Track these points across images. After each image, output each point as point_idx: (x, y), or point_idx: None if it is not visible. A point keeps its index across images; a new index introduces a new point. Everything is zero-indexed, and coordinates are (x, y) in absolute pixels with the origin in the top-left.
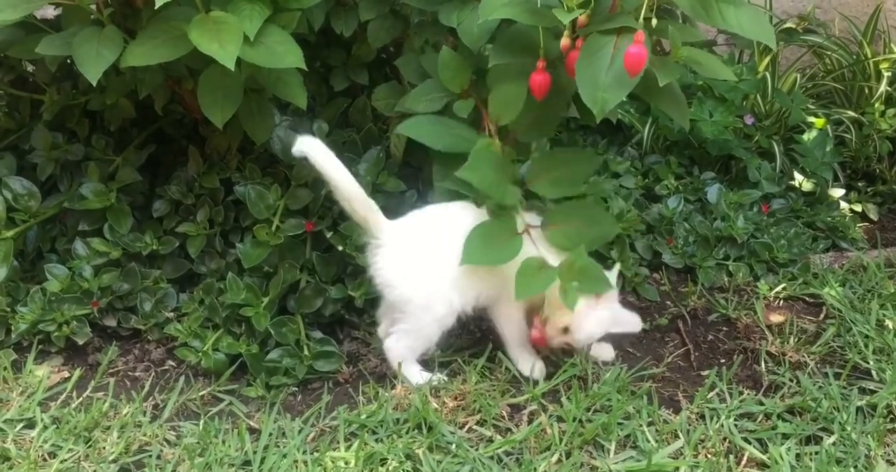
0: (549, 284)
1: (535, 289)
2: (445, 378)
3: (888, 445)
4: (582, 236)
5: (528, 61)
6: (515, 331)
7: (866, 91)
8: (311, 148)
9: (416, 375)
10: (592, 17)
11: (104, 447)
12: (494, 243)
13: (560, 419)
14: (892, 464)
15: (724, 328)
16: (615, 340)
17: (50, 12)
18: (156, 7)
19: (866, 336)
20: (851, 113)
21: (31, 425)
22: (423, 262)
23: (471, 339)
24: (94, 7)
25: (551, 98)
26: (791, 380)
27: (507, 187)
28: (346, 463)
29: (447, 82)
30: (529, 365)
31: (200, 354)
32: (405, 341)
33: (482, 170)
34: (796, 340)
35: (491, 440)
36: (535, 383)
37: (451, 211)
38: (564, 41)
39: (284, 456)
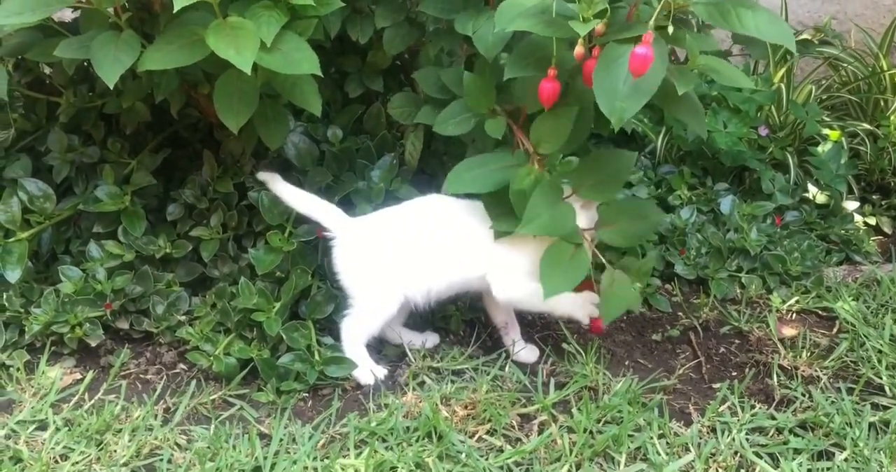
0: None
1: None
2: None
3: None
4: (634, 232)
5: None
6: None
7: (882, 103)
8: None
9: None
10: (609, 26)
11: (115, 450)
12: (565, 263)
13: (570, 430)
14: None
15: (737, 341)
16: (628, 350)
17: (67, 15)
18: (174, 12)
19: (880, 351)
20: (866, 125)
21: (43, 426)
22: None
23: (482, 348)
24: (111, 11)
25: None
26: (803, 394)
27: (565, 215)
28: (356, 471)
29: (473, 106)
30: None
31: (212, 358)
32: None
33: (537, 215)
34: (809, 354)
35: (501, 450)
36: (546, 393)
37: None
38: (578, 49)
39: (295, 463)
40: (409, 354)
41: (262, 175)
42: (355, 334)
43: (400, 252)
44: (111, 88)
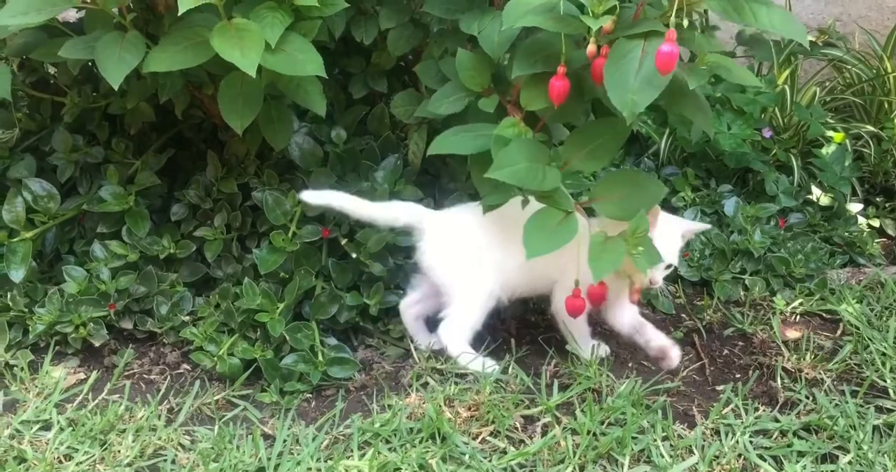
0: (623, 256)
1: (612, 265)
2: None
3: None
4: (634, 203)
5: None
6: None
7: (886, 105)
8: (330, 198)
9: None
10: (617, 24)
11: (119, 451)
12: (551, 228)
13: (574, 432)
14: None
15: (740, 343)
16: (631, 352)
17: (72, 15)
18: (178, 13)
19: (884, 354)
20: (870, 127)
21: (47, 426)
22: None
23: (485, 349)
24: (116, 11)
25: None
26: (807, 397)
27: (544, 172)
28: None
29: (467, 82)
30: (591, 347)
31: (215, 358)
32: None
33: (512, 162)
34: (813, 356)
35: (504, 452)
36: (549, 394)
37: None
38: (591, 47)
39: (298, 464)
40: (414, 355)
41: (311, 196)
42: (460, 334)
43: (495, 248)
44: (116, 88)
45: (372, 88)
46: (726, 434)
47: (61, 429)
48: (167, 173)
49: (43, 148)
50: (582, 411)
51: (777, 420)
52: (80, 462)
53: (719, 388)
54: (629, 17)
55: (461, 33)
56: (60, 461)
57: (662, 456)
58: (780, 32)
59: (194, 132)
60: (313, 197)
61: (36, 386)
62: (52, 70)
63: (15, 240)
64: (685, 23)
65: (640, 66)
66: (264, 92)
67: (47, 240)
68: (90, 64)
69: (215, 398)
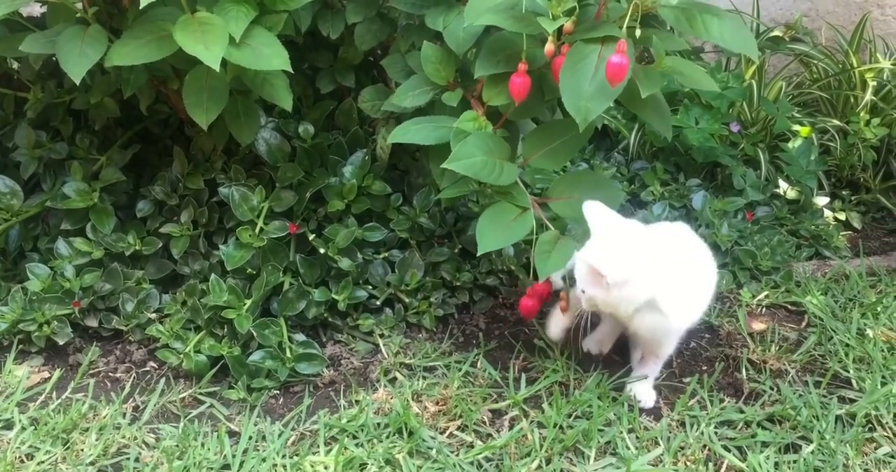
0: (570, 256)
1: (557, 264)
2: None
3: (866, 454)
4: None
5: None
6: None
7: (852, 100)
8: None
9: None
10: (578, 24)
11: (82, 449)
12: (506, 224)
13: (541, 425)
14: None
15: (707, 335)
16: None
17: (35, 10)
18: (141, 7)
19: (847, 345)
20: (837, 122)
21: (8, 426)
22: None
23: (454, 344)
24: (79, 5)
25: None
26: (771, 388)
27: (501, 167)
28: (326, 468)
29: (432, 75)
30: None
31: (182, 355)
32: None
33: (468, 155)
34: (777, 348)
35: (471, 446)
36: (517, 388)
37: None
38: (549, 46)
39: (264, 460)
40: (383, 350)
41: None
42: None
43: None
44: (77, 83)
45: (340, 82)
46: (691, 426)
47: (23, 428)
48: (132, 169)
49: (6, 144)
50: (549, 404)
51: (742, 411)
52: (42, 462)
53: (686, 380)
54: (591, 16)
55: (428, 29)
56: (22, 461)
57: (628, 448)
58: (729, 46)
59: (160, 128)
60: None
61: None
62: (15, 65)
63: None
64: (637, 31)
65: (595, 71)
66: (230, 87)
67: (10, 237)
68: (54, 59)
69: (181, 395)
